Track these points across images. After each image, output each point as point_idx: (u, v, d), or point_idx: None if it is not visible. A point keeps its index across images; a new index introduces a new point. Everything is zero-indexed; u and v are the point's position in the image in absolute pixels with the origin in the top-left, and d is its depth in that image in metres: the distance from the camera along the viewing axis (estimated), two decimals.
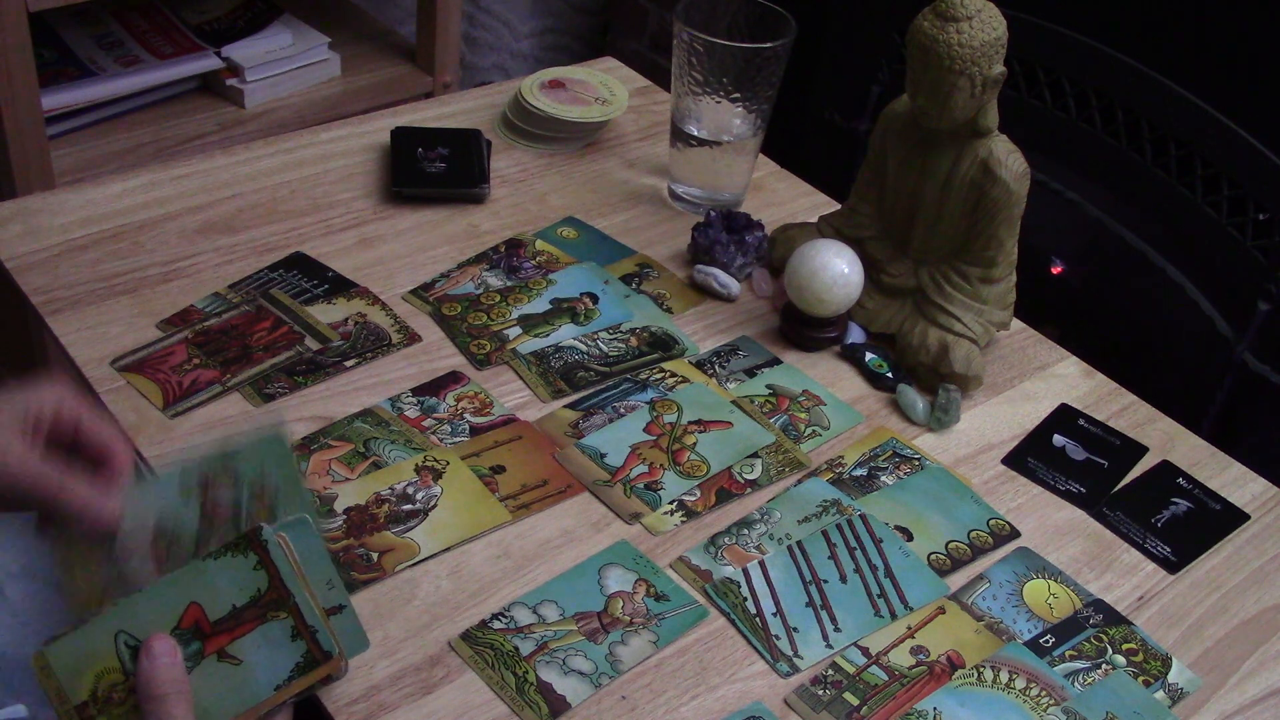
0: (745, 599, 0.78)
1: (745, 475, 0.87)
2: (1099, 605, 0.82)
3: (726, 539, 0.82)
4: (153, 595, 0.66)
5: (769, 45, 1.02)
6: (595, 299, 1.01)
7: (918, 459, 0.91)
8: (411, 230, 1.06)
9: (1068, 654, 0.78)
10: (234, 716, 0.64)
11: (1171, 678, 0.78)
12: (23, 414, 0.69)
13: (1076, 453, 0.94)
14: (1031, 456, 0.93)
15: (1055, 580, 0.83)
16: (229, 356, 0.91)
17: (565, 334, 0.97)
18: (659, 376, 0.94)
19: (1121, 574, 0.85)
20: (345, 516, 0.80)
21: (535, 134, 1.19)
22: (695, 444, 0.89)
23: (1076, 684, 0.76)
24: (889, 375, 0.97)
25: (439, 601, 0.76)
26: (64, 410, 0.70)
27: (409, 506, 0.81)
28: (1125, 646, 0.79)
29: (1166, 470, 0.93)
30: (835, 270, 0.95)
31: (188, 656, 0.64)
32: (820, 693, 0.74)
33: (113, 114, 1.58)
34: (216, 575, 0.65)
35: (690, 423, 0.90)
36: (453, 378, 0.92)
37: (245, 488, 0.71)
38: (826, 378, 0.97)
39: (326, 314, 0.95)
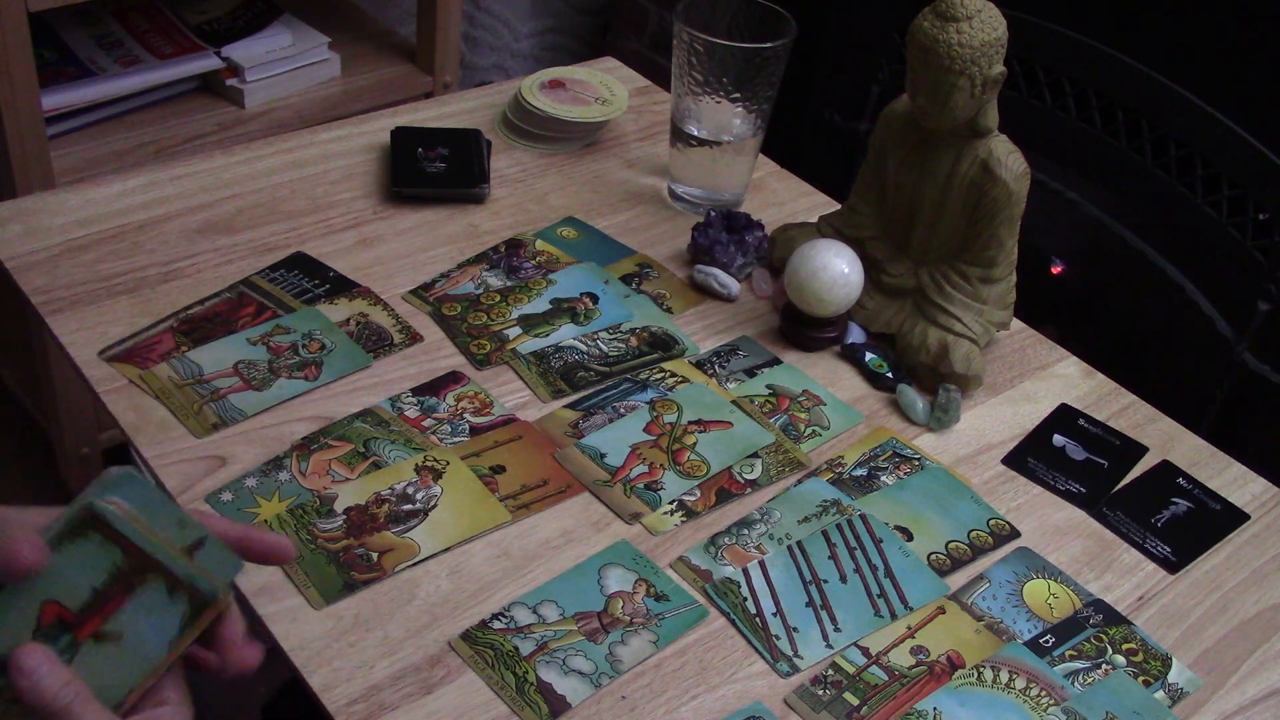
0: (745, 599, 0.78)
1: (745, 475, 0.87)
2: (1099, 605, 0.82)
3: (726, 539, 0.82)
4: None
5: (769, 45, 1.02)
6: (595, 299, 1.01)
7: (918, 459, 0.91)
8: (411, 230, 1.06)
9: (1068, 654, 0.78)
10: (133, 686, 0.60)
11: (1171, 678, 0.78)
12: None
13: (1076, 453, 0.93)
14: (1031, 456, 0.93)
15: (1055, 580, 0.83)
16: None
17: (565, 334, 0.97)
18: (659, 376, 0.94)
19: (1121, 574, 0.85)
20: (345, 516, 0.80)
21: (535, 134, 1.19)
22: (695, 444, 0.89)
23: (1076, 684, 0.76)
24: (889, 375, 0.97)
25: (439, 601, 0.76)
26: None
27: (409, 506, 0.81)
28: (1125, 646, 0.79)
29: (1166, 470, 0.93)
30: (835, 270, 0.95)
31: (61, 650, 0.59)
32: (820, 693, 0.74)
33: (113, 114, 1.57)
34: (64, 567, 0.60)
35: (690, 423, 0.90)
36: (453, 378, 0.92)
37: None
38: (826, 378, 0.97)
39: (328, 314, 0.95)
